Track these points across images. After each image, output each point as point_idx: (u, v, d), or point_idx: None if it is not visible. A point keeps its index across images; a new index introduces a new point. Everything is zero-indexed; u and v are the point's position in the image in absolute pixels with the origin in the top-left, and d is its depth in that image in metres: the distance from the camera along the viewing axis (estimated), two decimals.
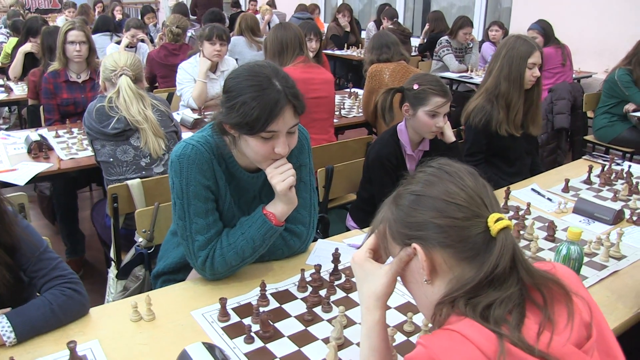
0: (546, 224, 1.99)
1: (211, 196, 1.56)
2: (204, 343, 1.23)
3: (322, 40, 4.20)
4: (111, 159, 2.38)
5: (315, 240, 1.84)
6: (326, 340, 1.33)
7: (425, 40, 6.66)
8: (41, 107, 3.65)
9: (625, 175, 2.52)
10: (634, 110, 4.06)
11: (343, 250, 1.68)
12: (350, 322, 1.41)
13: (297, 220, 1.70)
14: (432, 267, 0.93)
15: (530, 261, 0.93)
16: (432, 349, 0.82)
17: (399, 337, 1.35)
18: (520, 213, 2.09)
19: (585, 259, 1.74)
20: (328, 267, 1.65)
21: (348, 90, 4.54)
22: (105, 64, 2.49)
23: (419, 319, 1.39)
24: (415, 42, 6.90)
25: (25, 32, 4.80)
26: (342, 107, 3.88)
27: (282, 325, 1.39)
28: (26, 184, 2.50)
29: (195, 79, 3.70)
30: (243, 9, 9.36)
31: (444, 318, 0.89)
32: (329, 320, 1.41)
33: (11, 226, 1.41)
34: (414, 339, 1.35)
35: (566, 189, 2.37)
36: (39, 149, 2.77)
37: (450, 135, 2.37)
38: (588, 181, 2.48)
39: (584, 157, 2.87)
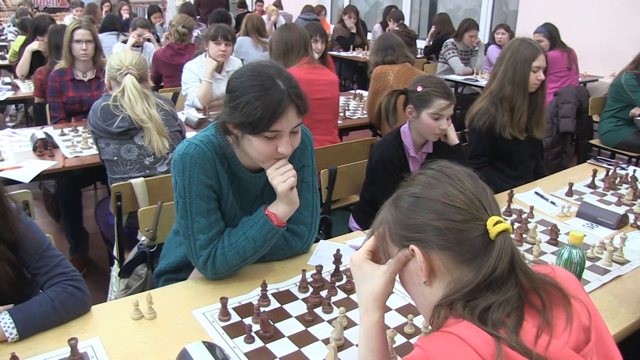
0: (549, 228, 1.98)
1: (213, 195, 1.57)
2: (204, 342, 1.23)
3: (328, 41, 4.20)
4: (115, 158, 2.39)
5: (317, 241, 1.84)
6: (326, 341, 1.33)
7: (431, 43, 6.66)
8: (47, 105, 3.67)
9: (629, 179, 2.51)
10: None
11: (345, 251, 1.69)
12: (351, 323, 1.41)
13: (299, 220, 1.70)
14: (430, 269, 0.93)
15: (530, 265, 0.93)
16: (430, 351, 0.82)
17: (399, 339, 1.35)
18: (523, 216, 2.09)
19: (588, 264, 1.74)
20: (329, 268, 1.65)
21: (353, 91, 4.54)
22: (110, 62, 2.50)
23: (419, 321, 1.39)
24: (421, 44, 6.90)
25: (33, 30, 4.83)
26: (346, 108, 3.88)
27: (283, 326, 1.40)
28: (31, 181, 2.52)
29: (200, 78, 3.70)
30: (249, 9, 9.38)
31: (442, 320, 0.89)
32: (330, 321, 1.41)
33: (14, 223, 1.41)
34: (414, 341, 1.34)
35: (570, 193, 2.36)
36: (44, 147, 2.79)
37: (453, 138, 2.36)
38: (592, 185, 2.47)
39: (588, 161, 2.86)
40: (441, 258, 0.92)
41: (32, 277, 1.49)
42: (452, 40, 5.61)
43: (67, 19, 7.96)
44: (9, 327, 1.29)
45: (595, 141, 4.46)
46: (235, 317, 1.42)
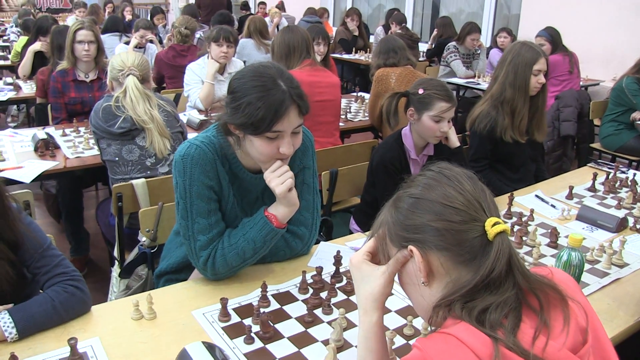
0: (549, 231, 1.99)
1: (214, 196, 1.57)
2: (204, 342, 1.23)
3: (330, 44, 4.21)
4: (116, 158, 2.40)
5: (317, 242, 1.84)
6: (326, 342, 1.33)
7: (433, 46, 6.66)
8: (49, 106, 3.68)
9: (630, 183, 2.52)
10: None
11: (345, 253, 1.69)
12: (351, 325, 1.41)
13: (300, 222, 1.70)
14: (428, 270, 0.94)
15: (529, 266, 0.93)
16: (428, 352, 0.82)
17: (399, 340, 1.36)
18: (524, 219, 2.09)
19: (588, 266, 1.74)
20: (329, 269, 1.66)
21: (355, 94, 4.54)
22: (112, 63, 2.51)
23: (418, 322, 1.40)
24: (423, 47, 6.91)
25: (35, 31, 4.84)
26: (348, 110, 3.88)
27: (282, 327, 1.40)
28: (32, 181, 2.52)
29: (202, 80, 3.71)
30: (252, 11, 9.40)
31: (441, 321, 0.89)
32: (329, 323, 1.42)
33: (15, 222, 1.42)
34: (413, 342, 1.35)
35: (570, 196, 2.36)
36: (46, 147, 2.79)
37: (454, 141, 2.37)
38: (592, 189, 2.47)
39: (588, 164, 2.87)
40: (439, 259, 0.92)
41: (32, 277, 1.49)
42: (454, 43, 5.62)
43: (70, 20, 7.98)
44: (8, 326, 1.29)
45: (596, 145, 4.47)
46: (235, 318, 1.43)
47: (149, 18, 7.64)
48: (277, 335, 1.36)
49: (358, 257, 1.07)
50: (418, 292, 0.97)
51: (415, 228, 0.93)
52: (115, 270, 2.24)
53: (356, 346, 1.32)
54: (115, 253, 2.35)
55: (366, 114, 3.87)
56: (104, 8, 8.67)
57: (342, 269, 1.65)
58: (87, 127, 3.15)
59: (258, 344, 1.33)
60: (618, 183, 2.52)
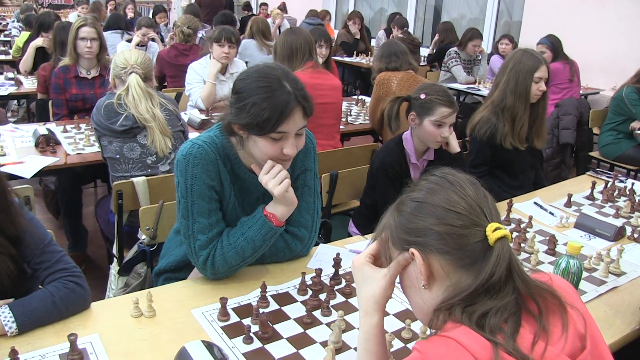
0: (547, 238, 2.00)
1: (215, 196, 1.58)
2: (203, 341, 1.24)
3: (332, 46, 4.23)
4: (117, 156, 2.40)
5: (316, 244, 1.85)
6: (324, 344, 1.34)
7: (434, 51, 6.68)
8: (50, 102, 3.68)
9: (628, 192, 2.53)
10: None
11: (344, 255, 1.70)
12: (349, 327, 1.42)
13: (300, 223, 1.71)
14: (429, 273, 0.95)
15: (527, 272, 0.94)
16: (428, 355, 0.83)
17: (397, 344, 1.36)
18: (522, 226, 2.10)
19: (585, 274, 1.75)
20: (328, 271, 1.66)
21: (356, 97, 4.55)
22: (115, 61, 2.51)
23: (416, 326, 1.41)
24: (424, 52, 6.93)
25: (38, 26, 4.84)
26: (349, 113, 3.90)
27: (281, 327, 1.40)
28: (32, 177, 2.52)
29: (204, 79, 3.72)
30: (254, 12, 9.41)
31: (441, 324, 0.90)
32: (328, 324, 1.42)
33: (17, 218, 1.42)
34: (411, 345, 1.36)
35: (569, 204, 2.37)
36: (47, 143, 2.80)
37: (455, 146, 2.38)
38: (591, 197, 2.48)
39: (587, 173, 2.88)
40: (440, 262, 0.93)
41: (32, 272, 1.49)
42: (455, 49, 5.64)
43: (72, 16, 7.98)
44: (8, 321, 1.29)
45: (594, 153, 4.49)
46: (234, 318, 1.43)
47: (151, 16, 7.65)
48: (276, 336, 1.37)
49: (360, 259, 1.08)
50: (418, 295, 0.98)
51: (418, 231, 0.95)
52: (114, 267, 2.24)
53: (355, 348, 1.33)
54: (114, 250, 2.36)
55: (367, 117, 3.88)
56: (106, 5, 8.66)
57: (341, 271, 1.65)
58: (88, 123, 3.16)
59: (257, 344, 1.33)
60: (616, 192, 2.54)
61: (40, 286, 1.51)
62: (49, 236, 1.49)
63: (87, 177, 3.60)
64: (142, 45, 5.04)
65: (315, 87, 2.91)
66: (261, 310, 1.45)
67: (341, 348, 1.33)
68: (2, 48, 6.46)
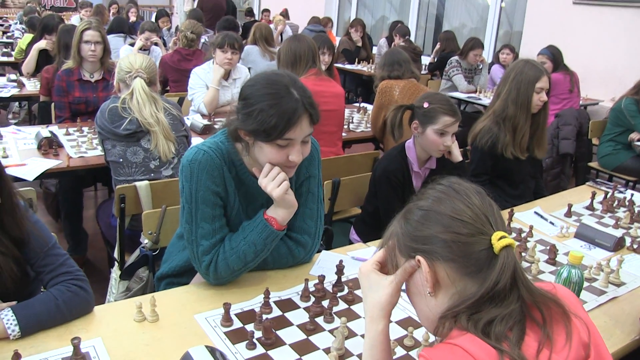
0: (548, 247, 2.01)
1: (219, 202, 1.58)
2: (207, 346, 1.24)
3: (335, 54, 4.25)
4: (121, 160, 2.41)
5: (318, 251, 1.85)
6: (327, 350, 1.35)
7: (435, 59, 6.71)
8: (52, 104, 3.69)
9: (627, 203, 2.54)
10: (639, 140, 4.09)
11: (347, 262, 1.70)
12: (352, 334, 1.42)
13: (303, 230, 1.72)
14: (435, 280, 0.96)
15: (531, 280, 0.95)
16: None
17: (399, 351, 1.37)
18: (523, 235, 2.11)
19: (585, 284, 1.75)
20: (331, 278, 1.67)
21: (357, 104, 4.57)
22: (120, 65, 2.53)
23: (419, 333, 1.41)
24: (425, 60, 6.96)
25: (41, 29, 4.86)
26: (350, 121, 3.91)
27: (284, 333, 1.41)
28: (34, 179, 2.53)
29: (207, 84, 3.74)
30: (256, 18, 9.45)
31: (447, 332, 0.91)
32: (331, 331, 1.43)
33: (22, 220, 1.43)
34: (413, 353, 1.37)
35: (569, 214, 2.39)
36: (49, 146, 2.80)
37: (457, 155, 2.39)
38: (591, 207, 2.49)
39: (587, 183, 2.90)
40: (446, 269, 0.94)
41: (35, 275, 1.50)
42: (456, 58, 5.67)
43: (74, 19, 8.01)
44: (11, 324, 1.29)
45: (593, 164, 4.51)
46: (237, 323, 1.44)
47: (153, 20, 7.68)
48: (279, 342, 1.37)
49: (367, 266, 1.09)
50: (424, 302, 0.99)
51: (424, 239, 0.96)
52: (115, 271, 2.24)
53: (358, 355, 1.34)
54: (116, 254, 2.36)
55: (368, 125, 3.89)
56: (109, 8, 8.69)
57: (343, 278, 1.66)
58: (91, 127, 3.17)
59: (260, 349, 1.34)
60: (616, 203, 2.55)
61: (43, 289, 1.52)
62: (53, 239, 1.49)
63: (88, 180, 3.60)
64: (145, 49, 5.06)
65: (318, 94, 2.90)
66: (264, 316, 1.45)
67: (344, 355, 1.33)
68: (5, 50, 6.48)
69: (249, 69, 4.26)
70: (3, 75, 5.16)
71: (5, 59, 6.13)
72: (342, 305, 1.56)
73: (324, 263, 1.80)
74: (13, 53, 5.97)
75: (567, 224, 2.26)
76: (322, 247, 2.11)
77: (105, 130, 2.40)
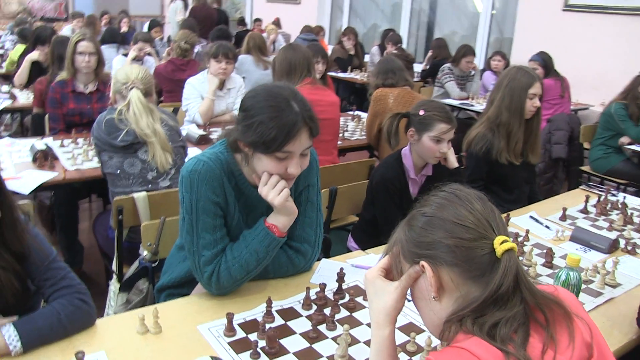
0: (544, 251, 2.03)
1: (220, 212, 1.59)
2: (212, 357, 1.25)
3: (328, 62, 4.27)
4: (118, 171, 2.41)
5: (318, 259, 1.86)
6: (331, 358, 1.36)
7: (428, 67, 6.76)
8: (46, 116, 3.68)
9: (620, 206, 2.58)
10: (629, 144, 4.14)
11: (347, 270, 1.71)
12: (354, 341, 1.43)
13: (303, 239, 1.73)
14: (439, 285, 0.98)
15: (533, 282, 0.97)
16: None
17: (402, 357, 1.38)
18: (519, 239, 2.13)
19: (582, 286, 1.78)
20: (331, 286, 1.68)
21: (352, 112, 4.60)
22: (117, 76, 2.53)
23: (421, 339, 1.42)
24: (417, 67, 7.01)
25: (34, 40, 4.85)
26: (345, 129, 3.93)
27: (288, 342, 1.42)
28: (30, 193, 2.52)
29: (202, 95, 3.75)
30: (248, 27, 9.48)
31: (452, 335, 0.93)
32: (334, 339, 1.44)
33: (22, 234, 1.42)
34: (416, 358, 1.38)
35: (564, 218, 2.41)
36: (45, 158, 2.79)
37: (453, 161, 2.41)
38: (585, 210, 2.52)
39: (580, 187, 2.93)
40: (450, 274, 0.96)
41: (36, 289, 1.50)
42: (449, 65, 5.71)
43: (66, 30, 8.00)
44: (13, 339, 1.28)
45: (585, 168, 4.56)
46: (240, 333, 1.44)
47: (144, 30, 7.69)
48: (283, 351, 1.38)
49: (373, 272, 1.10)
50: (429, 307, 1.01)
51: (428, 245, 0.98)
52: (114, 284, 2.23)
53: None
54: (114, 267, 2.35)
55: (363, 133, 3.92)
56: (100, 19, 8.69)
57: (344, 286, 1.67)
58: (86, 138, 3.17)
59: (264, 359, 1.34)
60: (609, 205, 2.58)
61: (44, 303, 1.52)
62: (53, 252, 1.49)
63: (83, 192, 3.59)
64: (138, 59, 5.06)
65: (314, 103, 2.87)
66: (267, 326, 1.46)
67: None
68: None
69: (243, 78, 4.27)
70: None
71: None
72: (344, 313, 1.58)
73: (324, 271, 1.81)
74: (4, 65, 5.94)
75: (562, 228, 2.28)
76: (321, 255, 2.12)
77: (102, 141, 2.41)
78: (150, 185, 2.44)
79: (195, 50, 5.22)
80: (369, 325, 1.50)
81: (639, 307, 1.61)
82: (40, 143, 2.94)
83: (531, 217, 2.40)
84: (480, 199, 1.00)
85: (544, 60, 4.96)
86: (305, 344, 1.41)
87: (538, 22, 6.09)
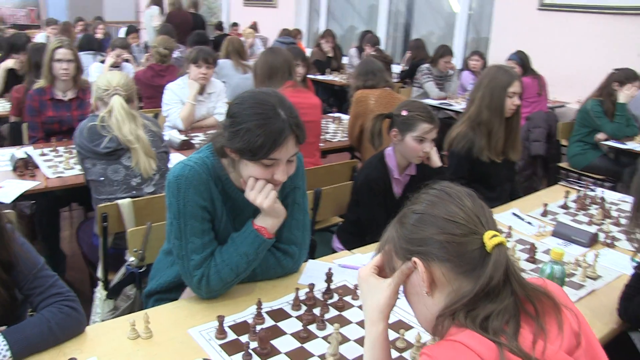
0: (527, 247, 2.07)
1: (207, 216, 1.60)
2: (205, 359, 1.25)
3: (308, 65, 4.29)
4: (102, 178, 2.39)
5: (305, 261, 1.88)
6: (322, 357, 1.37)
7: (406, 67, 6.82)
8: (24, 125, 3.63)
9: (599, 200, 2.64)
10: (605, 140, 4.24)
11: (334, 270, 1.72)
12: (345, 339, 1.45)
13: (291, 240, 1.75)
14: (431, 280, 1.00)
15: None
16: (438, 359, 0.87)
17: (393, 354, 1.39)
18: (503, 236, 2.16)
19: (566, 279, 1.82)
20: (319, 286, 1.69)
21: (332, 115, 4.62)
22: (98, 83, 2.51)
23: (411, 335, 1.45)
24: (395, 68, 7.06)
25: (9, 48, 4.78)
26: (326, 131, 3.95)
27: (279, 343, 1.43)
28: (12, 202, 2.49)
29: (182, 100, 3.74)
30: (226, 32, 9.46)
31: (446, 329, 0.95)
32: (324, 338, 1.45)
33: (9, 243, 1.41)
34: (406, 354, 1.40)
35: (545, 214, 2.46)
36: (25, 167, 2.76)
37: (436, 160, 2.45)
38: (565, 206, 2.58)
39: (560, 183, 2.99)
40: (442, 269, 0.98)
41: (24, 298, 1.48)
42: (427, 65, 5.77)
43: (40, 37, 7.88)
44: (2, 349, 1.27)
45: (563, 164, 4.64)
46: (231, 335, 1.45)
47: (120, 36, 7.62)
48: (275, 351, 1.39)
49: (366, 270, 1.12)
50: (422, 302, 1.03)
51: (420, 241, 1.00)
52: (100, 291, 2.22)
53: (353, 359, 1.36)
54: (99, 274, 2.33)
55: (344, 135, 3.94)
56: (75, 25, 8.58)
57: (332, 286, 1.69)
58: (66, 146, 3.14)
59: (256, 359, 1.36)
60: (588, 200, 2.64)
61: (33, 312, 1.50)
62: (41, 261, 1.48)
63: (64, 200, 3.55)
64: (116, 66, 5.02)
65: (297, 105, 2.87)
66: (258, 327, 1.47)
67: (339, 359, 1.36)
68: None
69: (224, 82, 4.27)
70: None
71: None
72: (333, 312, 1.59)
73: (312, 272, 1.82)
74: None
75: (544, 223, 2.33)
76: (307, 256, 2.14)
77: (84, 149, 2.39)
78: (134, 192, 2.43)
79: (174, 55, 5.19)
80: (358, 324, 1.52)
81: (619, 298, 1.66)
82: (20, 152, 2.90)
83: (513, 213, 2.45)
84: (469, 196, 1.02)
85: (521, 59, 5.05)
86: (296, 344, 1.43)
87: (514, 21, 6.20)
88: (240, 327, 1.49)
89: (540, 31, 5.92)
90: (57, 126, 3.52)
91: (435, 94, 5.64)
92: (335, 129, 4.19)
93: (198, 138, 3.56)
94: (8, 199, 2.47)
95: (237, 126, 1.46)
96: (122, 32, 8.27)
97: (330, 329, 1.48)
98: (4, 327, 1.34)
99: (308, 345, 1.42)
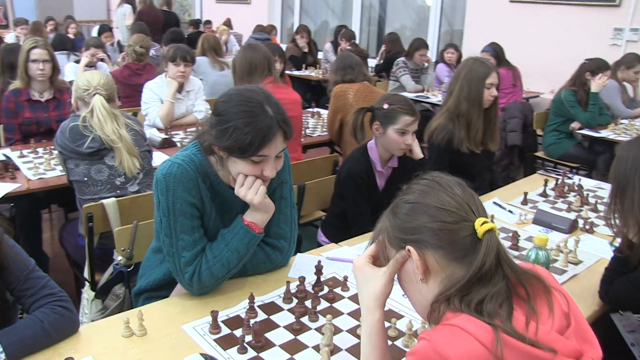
0: (510, 234, 2.13)
1: (197, 213, 1.61)
2: (202, 354, 1.27)
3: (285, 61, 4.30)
4: (85, 178, 2.37)
5: (293, 255, 1.90)
6: (316, 348, 1.39)
7: (382, 61, 6.87)
8: (0, 127, 3.57)
9: (576, 188, 2.71)
10: (579, 129, 4.34)
11: (323, 263, 1.75)
12: (337, 330, 1.47)
13: (279, 235, 1.77)
14: (425, 267, 1.03)
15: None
16: (436, 342, 0.91)
17: None
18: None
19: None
20: (310, 279, 1.72)
21: (311, 109, 4.64)
22: (77, 83, 2.49)
23: (402, 324, 1.48)
24: (371, 62, 7.11)
25: None
26: (306, 126, 3.97)
27: (273, 335, 1.45)
28: None
29: (161, 98, 3.71)
30: (200, 29, 9.37)
31: (441, 315, 0.98)
32: (317, 329, 1.48)
33: (0, 245, 1.41)
34: (398, 342, 1.44)
35: (525, 202, 2.52)
36: (5, 169, 2.73)
37: (418, 152, 2.48)
38: (544, 194, 2.64)
39: (538, 171, 3.06)
40: (435, 256, 1.02)
41: (15, 300, 1.48)
42: (403, 59, 5.82)
43: (9, 37, 7.72)
44: None
45: (540, 153, 4.74)
46: (225, 330, 1.46)
47: (92, 35, 7.50)
48: (269, 344, 1.41)
49: (361, 260, 1.15)
50: (417, 289, 1.06)
51: (413, 230, 1.03)
52: (87, 291, 2.21)
53: (346, 349, 1.39)
54: (86, 274, 2.32)
55: (324, 130, 3.96)
56: (45, 25, 8.42)
57: (322, 278, 1.71)
58: (46, 147, 3.10)
59: (251, 353, 1.37)
60: (566, 188, 2.71)
61: (25, 313, 1.49)
62: (32, 262, 1.48)
63: (44, 202, 3.51)
64: (91, 65, 4.96)
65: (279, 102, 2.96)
66: (251, 321, 1.49)
67: (333, 350, 1.39)
68: None
69: (201, 79, 4.25)
70: None
71: None
72: (324, 304, 1.62)
73: (301, 265, 1.85)
74: None
75: (524, 212, 2.39)
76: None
77: (67, 149, 2.36)
78: (119, 191, 2.42)
79: (150, 54, 5.14)
80: (349, 314, 1.55)
81: (600, 281, 1.72)
82: None
83: (494, 202, 2.50)
84: (460, 185, 1.06)
85: (496, 51, 5.14)
86: (290, 336, 1.45)
87: (487, 14, 6.30)
88: (234, 322, 1.50)
89: (513, 23, 6.03)
90: (34, 127, 3.47)
91: (411, 87, 5.69)
92: (315, 123, 4.21)
93: (178, 136, 3.55)
94: None
95: (224, 124, 1.47)
96: (94, 32, 8.14)
97: (322, 320, 1.51)
98: None
99: (302, 337, 1.45)
